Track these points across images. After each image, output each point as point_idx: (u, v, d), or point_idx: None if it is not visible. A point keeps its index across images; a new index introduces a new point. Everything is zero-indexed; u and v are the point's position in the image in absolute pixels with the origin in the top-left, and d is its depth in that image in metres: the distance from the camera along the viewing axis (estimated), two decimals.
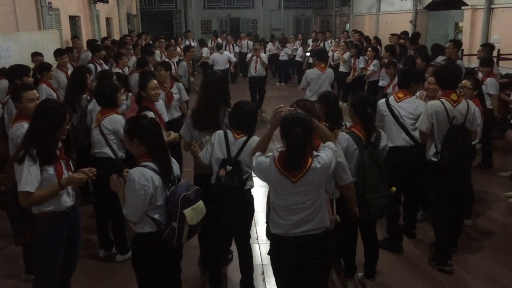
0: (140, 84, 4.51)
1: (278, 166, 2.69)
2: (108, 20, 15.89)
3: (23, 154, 2.90)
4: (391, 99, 4.43)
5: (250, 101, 3.63)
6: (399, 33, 11.69)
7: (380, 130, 3.65)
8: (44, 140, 2.96)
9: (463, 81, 4.79)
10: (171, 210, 2.80)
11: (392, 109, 4.34)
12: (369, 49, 10.02)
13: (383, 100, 4.51)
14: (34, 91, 3.93)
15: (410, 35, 11.26)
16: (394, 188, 3.63)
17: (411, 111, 4.30)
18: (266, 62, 10.79)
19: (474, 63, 10.18)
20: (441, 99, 4.02)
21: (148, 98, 4.45)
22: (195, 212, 2.83)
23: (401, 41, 11.10)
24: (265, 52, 14.09)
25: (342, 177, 3.14)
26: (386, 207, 3.55)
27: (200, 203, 2.91)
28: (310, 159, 2.69)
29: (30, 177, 2.88)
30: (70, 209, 3.15)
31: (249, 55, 11.09)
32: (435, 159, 4.05)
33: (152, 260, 2.92)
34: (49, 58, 7.62)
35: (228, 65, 11.64)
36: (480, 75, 6.67)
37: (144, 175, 2.74)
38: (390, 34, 12.06)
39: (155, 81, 4.55)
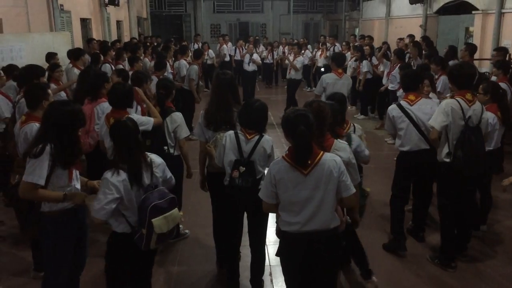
0: (169, 86, 4.57)
1: (289, 160, 2.71)
2: (118, 23, 16.00)
3: (41, 149, 2.89)
4: (404, 103, 4.32)
5: (260, 99, 3.62)
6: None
7: (350, 132, 3.65)
8: (63, 140, 2.96)
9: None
10: (141, 217, 2.84)
11: (408, 113, 4.26)
12: (381, 51, 9.97)
13: (394, 105, 4.41)
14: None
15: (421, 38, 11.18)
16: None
17: (427, 112, 4.21)
18: (298, 66, 10.87)
19: (485, 67, 10.11)
20: (456, 98, 3.96)
21: (171, 99, 4.59)
22: (166, 221, 2.86)
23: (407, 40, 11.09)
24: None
25: (354, 177, 3.12)
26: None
27: (174, 211, 2.93)
28: (322, 152, 2.71)
29: (42, 171, 2.89)
30: (78, 207, 3.16)
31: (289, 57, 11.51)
32: (448, 160, 3.99)
33: (122, 257, 3.01)
34: (60, 59, 7.70)
35: (256, 67, 12.32)
36: (493, 78, 6.58)
37: (120, 175, 2.81)
38: (398, 39, 12.03)
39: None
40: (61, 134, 2.95)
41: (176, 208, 2.98)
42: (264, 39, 18.29)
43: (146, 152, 3.05)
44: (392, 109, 4.37)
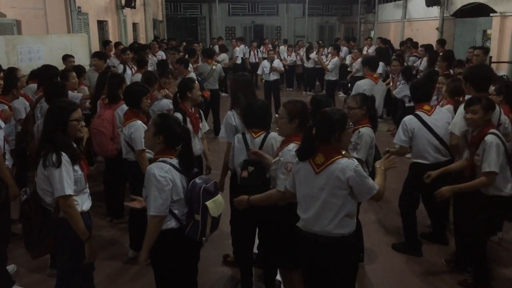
0: (187, 85, 4.49)
1: None
2: (134, 25, 16.16)
3: (58, 157, 2.83)
4: (423, 114, 4.18)
5: (261, 99, 3.80)
6: (426, 41, 11.47)
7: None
8: (61, 138, 2.91)
9: None
10: (193, 203, 2.82)
11: (428, 124, 4.13)
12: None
13: (410, 117, 4.24)
14: (79, 110, 3.84)
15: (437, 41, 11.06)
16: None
17: (447, 120, 4.15)
18: (330, 67, 11.25)
19: (503, 70, 9.98)
20: None
21: (193, 100, 4.43)
22: (215, 205, 2.86)
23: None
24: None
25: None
26: None
27: (219, 197, 2.93)
28: (337, 156, 2.68)
29: (69, 181, 2.85)
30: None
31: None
32: None
33: (171, 258, 2.93)
34: (77, 60, 7.80)
35: (278, 75, 11.08)
36: None
37: (163, 168, 2.79)
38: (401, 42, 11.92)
39: (197, 82, 4.62)
40: (58, 130, 2.92)
41: (219, 194, 2.98)
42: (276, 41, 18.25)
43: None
44: (408, 123, 4.25)
